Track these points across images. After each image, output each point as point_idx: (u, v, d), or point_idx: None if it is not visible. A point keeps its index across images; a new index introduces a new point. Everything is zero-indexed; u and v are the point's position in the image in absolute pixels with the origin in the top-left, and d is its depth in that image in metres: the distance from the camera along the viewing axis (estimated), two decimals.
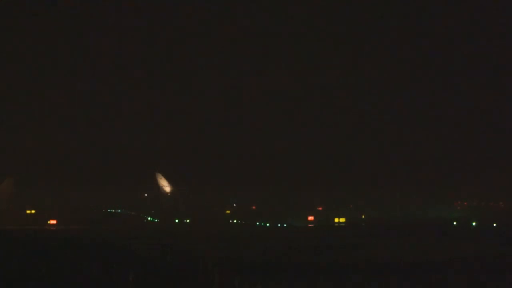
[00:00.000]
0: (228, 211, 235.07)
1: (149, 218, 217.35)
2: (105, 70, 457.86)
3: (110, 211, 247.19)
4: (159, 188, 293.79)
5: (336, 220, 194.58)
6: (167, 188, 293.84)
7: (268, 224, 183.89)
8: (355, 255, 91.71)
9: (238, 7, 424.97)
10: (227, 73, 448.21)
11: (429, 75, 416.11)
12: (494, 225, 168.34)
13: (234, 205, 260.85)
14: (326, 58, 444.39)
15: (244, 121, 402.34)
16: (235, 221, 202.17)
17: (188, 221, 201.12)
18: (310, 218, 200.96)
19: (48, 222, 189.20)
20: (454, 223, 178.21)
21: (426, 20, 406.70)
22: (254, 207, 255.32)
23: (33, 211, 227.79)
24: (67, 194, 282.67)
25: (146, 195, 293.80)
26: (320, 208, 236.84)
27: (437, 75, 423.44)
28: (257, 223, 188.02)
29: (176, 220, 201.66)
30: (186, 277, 64.54)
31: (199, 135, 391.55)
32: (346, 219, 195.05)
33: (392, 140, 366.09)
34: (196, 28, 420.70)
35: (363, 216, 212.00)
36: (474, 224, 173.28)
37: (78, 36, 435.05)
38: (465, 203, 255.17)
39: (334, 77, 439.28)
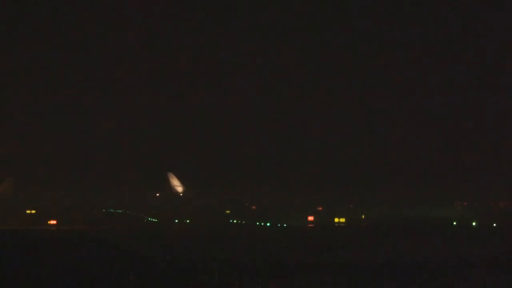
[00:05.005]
0: (228, 211, 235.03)
1: (149, 218, 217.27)
2: (108, 69, 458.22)
3: (110, 211, 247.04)
4: (171, 188, 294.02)
5: (336, 220, 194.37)
6: (179, 188, 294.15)
7: (268, 224, 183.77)
8: (354, 255, 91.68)
9: (239, 7, 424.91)
10: (228, 74, 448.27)
11: (430, 75, 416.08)
12: (494, 225, 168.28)
13: (246, 204, 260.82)
14: (326, 58, 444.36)
15: (244, 121, 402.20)
16: (235, 221, 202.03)
17: (188, 221, 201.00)
18: (310, 218, 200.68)
19: (48, 222, 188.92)
20: (454, 223, 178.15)
21: (428, 21, 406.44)
22: (254, 207, 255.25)
23: (33, 211, 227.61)
24: (67, 194, 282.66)
25: (158, 194, 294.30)
26: (320, 208, 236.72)
27: (438, 76, 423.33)
28: (257, 223, 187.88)
29: (176, 221, 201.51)
30: (186, 278, 64.51)
31: (198, 136, 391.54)
32: (346, 219, 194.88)
33: (393, 141, 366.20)
34: (201, 29, 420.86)
35: (363, 216, 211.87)
36: (474, 224, 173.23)
37: (83, 35, 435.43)
38: (465, 203, 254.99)
39: (336, 78, 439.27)
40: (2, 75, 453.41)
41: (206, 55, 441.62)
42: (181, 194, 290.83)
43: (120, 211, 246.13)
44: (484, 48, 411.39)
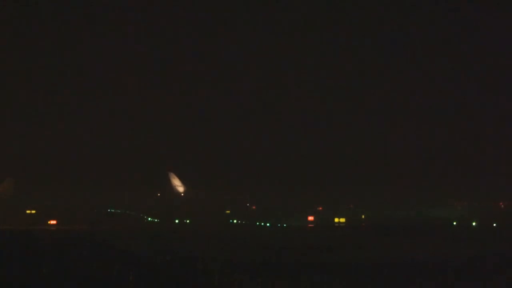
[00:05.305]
0: (228, 211, 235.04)
1: (149, 219, 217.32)
2: (108, 69, 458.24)
3: (110, 211, 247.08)
4: (172, 188, 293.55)
5: (336, 220, 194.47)
6: (180, 188, 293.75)
7: (268, 224, 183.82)
8: (355, 255, 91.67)
9: (239, 7, 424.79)
10: (228, 74, 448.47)
11: (430, 75, 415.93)
12: (494, 225, 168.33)
13: (247, 204, 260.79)
14: (326, 58, 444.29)
15: (244, 121, 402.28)
16: (235, 221, 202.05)
17: (188, 221, 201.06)
18: (310, 218, 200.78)
19: (48, 222, 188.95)
20: (454, 223, 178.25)
21: (428, 21, 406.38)
22: (254, 207, 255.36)
23: (33, 211, 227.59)
24: (67, 194, 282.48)
25: (159, 194, 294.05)
26: (320, 208, 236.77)
27: (438, 76, 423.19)
28: (257, 223, 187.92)
29: (176, 221, 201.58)
30: (186, 278, 64.52)
31: (198, 136, 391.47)
32: (346, 219, 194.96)
33: (393, 141, 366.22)
34: (201, 29, 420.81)
35: (363, 216, 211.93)
36: (474, 224, 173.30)
37: (82, 35, 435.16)
38: (465, 203, 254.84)
39: (336, 78, 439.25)
40: (2, 75, 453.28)
41: (206, 55, 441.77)
42: (182, 194, 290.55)
43: (120, 211, 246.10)
44: (484, 48, 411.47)
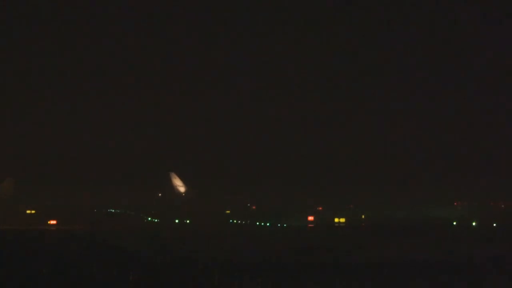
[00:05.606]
0: (228, 211, 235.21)
1: (149, 218, 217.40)
2: (108, 70, 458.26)
3: (110, 211, 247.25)
4: (173, 188, 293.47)
5: (336, 220, 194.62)
6: (181, 188, 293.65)
7: (268, 224, 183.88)
8: (355, 255, 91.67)
9: (242, 9, 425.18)
10: (228, 74, 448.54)
11: (430, 75, 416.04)
12: (494, 225, 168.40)
13: (248, 204, 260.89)
14: (326, 58, 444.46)
15: (244, 121, 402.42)
16: (235, 221, 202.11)
17: (188, 221, 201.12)
18: (310, 218, 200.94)
19: (48, 222, 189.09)
20: (454, 223, 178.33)
21: (428, 21, 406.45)
22: (254, 207, 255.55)
23: (33, 211, 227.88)
24: (67, 194, 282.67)
25: (160, 194, 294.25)
26: (320, 208, 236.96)
27: (438, 76, 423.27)
28: (257, 223, 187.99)
29: (176, 221, 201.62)
30: (186, 278, 64.55)
31: (199, 136, 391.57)
32: (346, 219, 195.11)
33: (393, 141, 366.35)
34: (201, 29, 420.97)
35: (363, 216, 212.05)
36: (474, 224, 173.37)
37: (82, 36, 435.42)
38: (465, 203, 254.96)
39: (336, 78, 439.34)
40: (2, 75, 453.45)
41: (206, 55, 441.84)
42: (183, 194, 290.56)
43: (120, 211, 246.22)
44: (484, 48, 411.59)
